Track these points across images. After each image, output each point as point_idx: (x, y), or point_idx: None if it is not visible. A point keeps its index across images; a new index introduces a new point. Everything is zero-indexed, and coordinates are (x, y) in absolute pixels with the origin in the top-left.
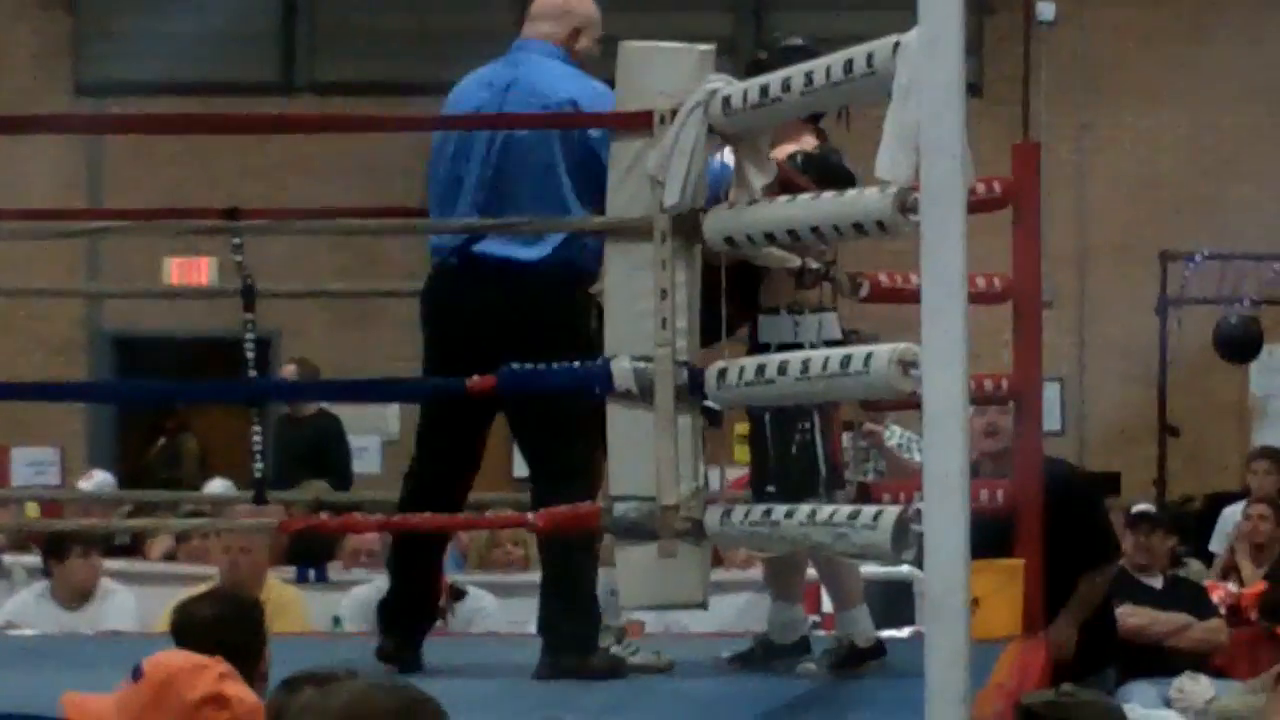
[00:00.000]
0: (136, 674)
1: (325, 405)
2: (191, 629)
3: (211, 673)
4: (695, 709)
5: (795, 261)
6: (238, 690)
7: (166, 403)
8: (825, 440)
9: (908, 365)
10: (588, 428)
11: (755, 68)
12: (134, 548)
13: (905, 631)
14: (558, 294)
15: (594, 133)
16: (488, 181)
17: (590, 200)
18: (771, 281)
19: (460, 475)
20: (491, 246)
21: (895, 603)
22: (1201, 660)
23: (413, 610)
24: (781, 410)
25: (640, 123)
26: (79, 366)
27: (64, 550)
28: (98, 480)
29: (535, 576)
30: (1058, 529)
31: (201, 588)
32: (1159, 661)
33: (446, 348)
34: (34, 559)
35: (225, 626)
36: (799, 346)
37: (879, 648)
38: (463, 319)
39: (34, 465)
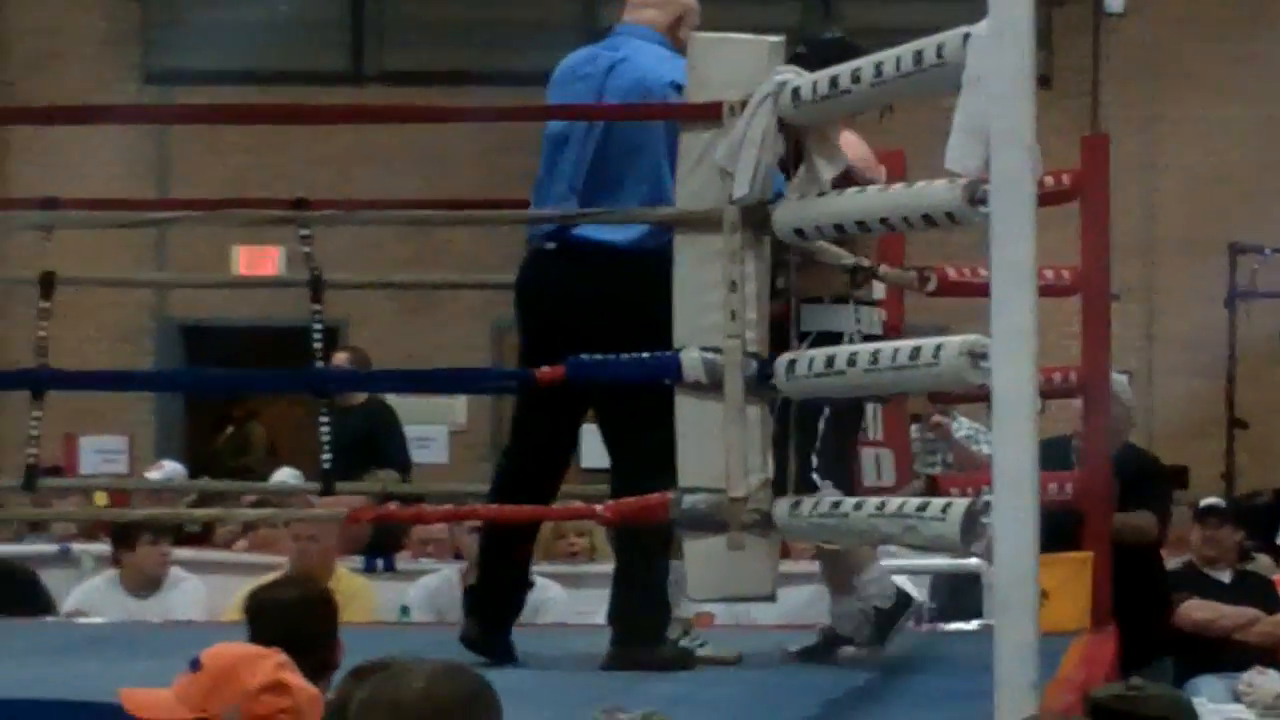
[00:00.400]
0: (195, 665)
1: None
2: (266, 614)
3: (270, 661)
4: (762, 701)
5: (850, 259)
6: (296, 679)
7: (234, 392)
8: (832, 442)
9: (977, 357)
10: (670, 419)
11: (795, 61)
12: (203, 536)
13: (973, 624)
14: (648, 277)
15: None
16: (586, 165)
17: None
18: (818, 272)
19: (552, 465)
20: (586, 230)
21: (963, 595)
22: (1270, 654)
23: (500, 598)
24: (803, 406)
25: (710, 114)
26: (147, 355)
27: (133, 539)
28: (168, 470)
29: (601, 567)
30: (1127, 507)
31: (270, 577)
32: (1227, 656)
33: (540, 333)
34: (102, 547)
35: (300, 613)
36: (837, 338)
37: (905, 599)
38: (556, 303)
39: (102, 453)
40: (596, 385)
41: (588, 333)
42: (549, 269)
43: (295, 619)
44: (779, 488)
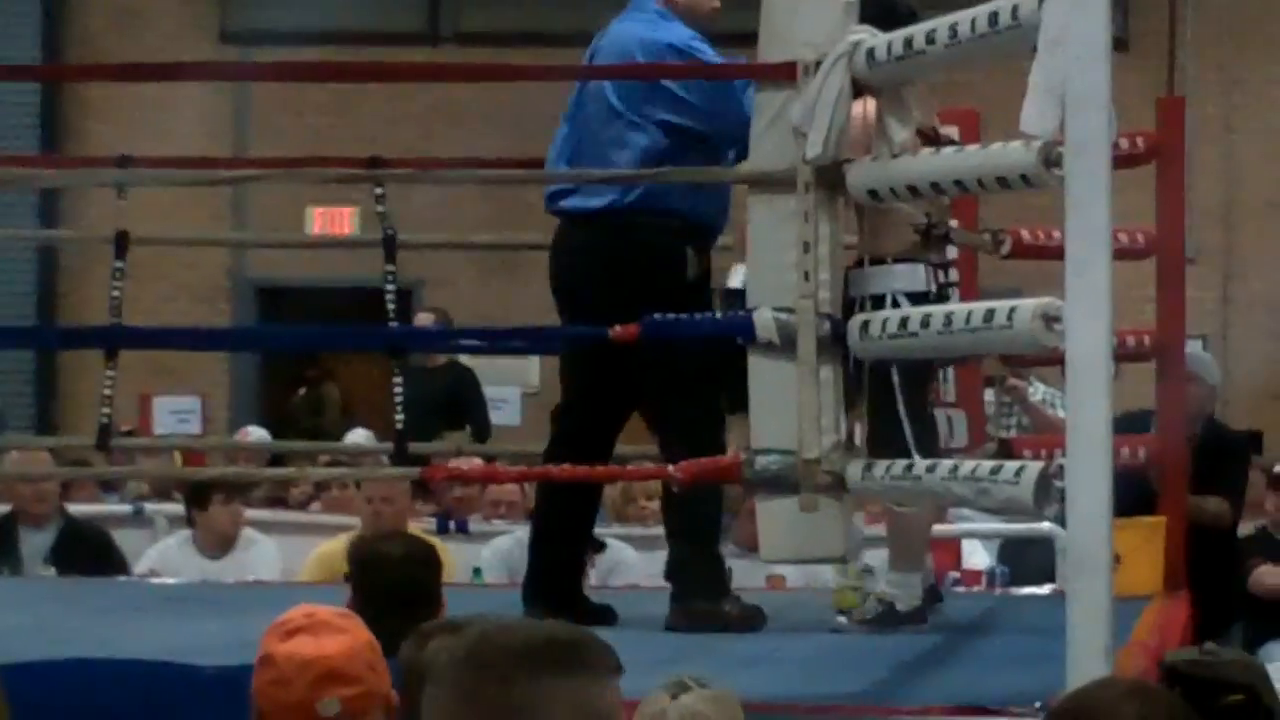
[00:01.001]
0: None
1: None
2: (374, 569)
3: (274, 633)
4: (836, 662)
5: (922, 219)
6: (289, 647)
7: (308, 350)
8: (912, 404)
9: (1051, 320)
10: (712, 383)
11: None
12: (277, 498)
13: (1046, 588)
14: (624, 238)
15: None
16: (569, 135)
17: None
18: (882, 231)
19: (603, 432)
20: (571, 200)
21: (1035, 559)
22: None
23: (560, 555)
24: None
25: (784, 74)
26: (223, 315)
27: (206, 499)
28: (254, 436)
29: None
30: (1206, 484)
31: (343, 538)
32: None
33: (558, 304)
34: (176, 507)
35: (408, 569)
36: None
37: (919, 614)
38: (555, 274)
39: (177, 414)
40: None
41: (579, 297)
42: (554, 240)
43: (403, 574)
44: (897, 452)
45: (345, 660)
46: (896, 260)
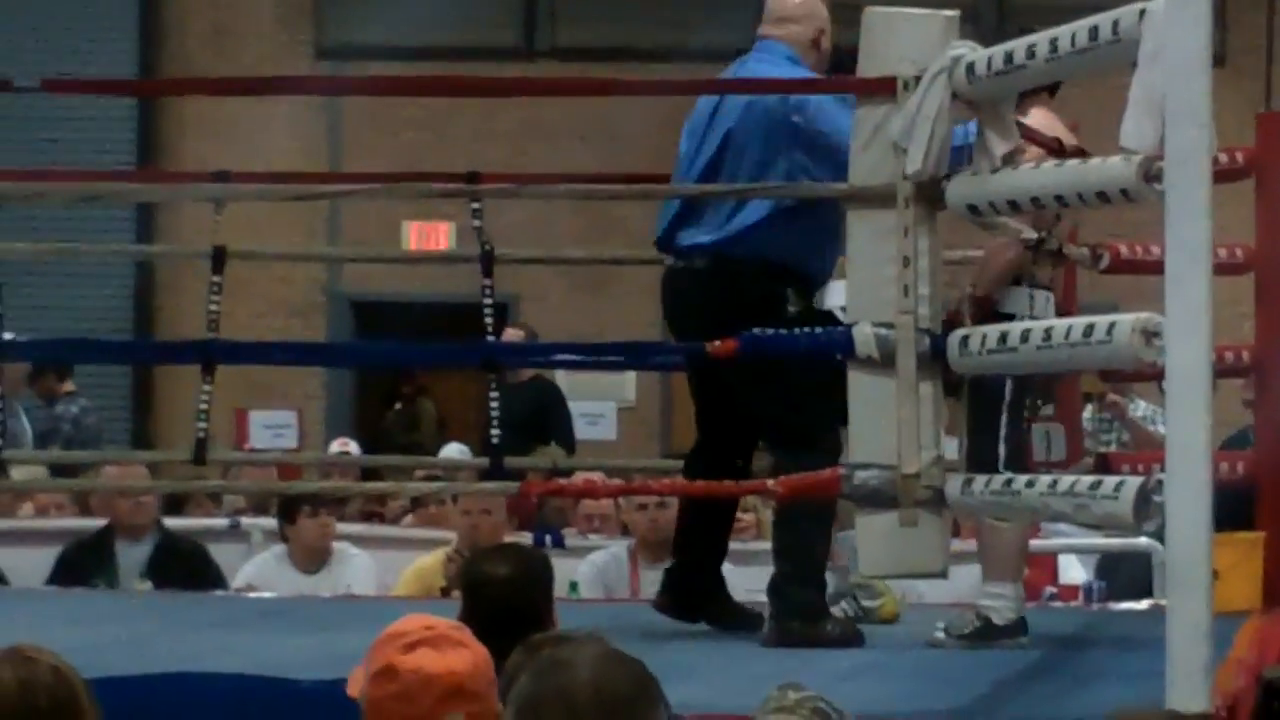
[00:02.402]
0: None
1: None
2: (484, 588)
3: (395, 644)
4: (936, 677)
5: (1033, 234)
6: (412, 660)
7: (403, 365)
8: (1012, 422)
9: (1150, 335)
10: (824, 396)
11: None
12: (372, 512)
13: (1144, 604)
14: (729, 279)
15: (808, 121)
16: (701, 167)
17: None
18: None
19: (731, 448)
20: (685, 235)
21: (1133, 574)
22: None
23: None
24: (979, 385)
25: (884, 89)
26: (318, 331)
27: (295, 512)
28: (350, 449)
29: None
30: None
31: (439, 552)
32: None
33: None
34: (271, 522)
35: (517, 587)
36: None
37: (1019, 626)
38: (666, 307)
39: (272, 428)
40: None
41: (680, 332)
42: (665, 274)
43: (512, 592)
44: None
45: (469, 677)
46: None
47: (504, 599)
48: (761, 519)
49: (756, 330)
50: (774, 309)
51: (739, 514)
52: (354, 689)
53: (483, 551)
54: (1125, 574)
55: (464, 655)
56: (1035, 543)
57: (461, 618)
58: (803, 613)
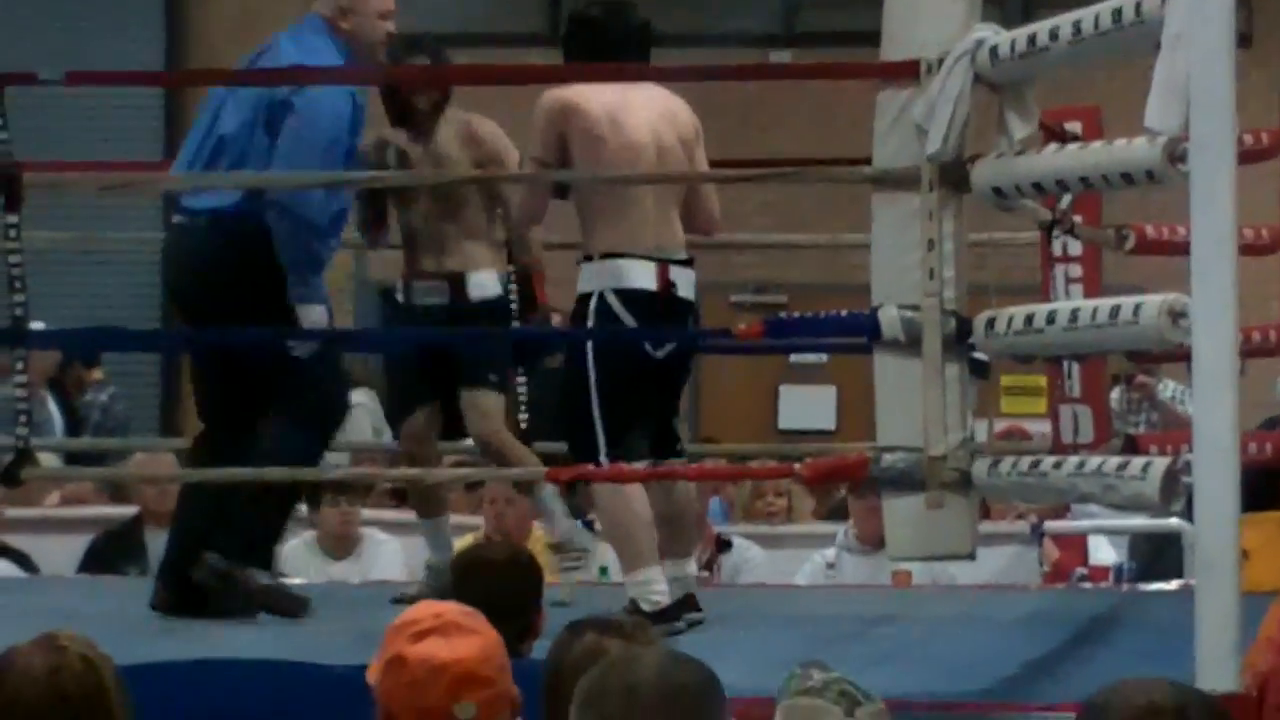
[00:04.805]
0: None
1: None
2: (472, 578)
3: (405, 633)
4: (957, 662)
5: (1047, 215)
6: (422, 649)
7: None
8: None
9: (1177, 315)
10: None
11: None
12: (399, 496)
13: (1173, 584)
14: (230, 242)
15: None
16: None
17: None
18: None
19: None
20: (190, 197)
21: (1162, 555)
22: None
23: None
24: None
25: (907, 72)
26: (346, 316)
27: (318, 500)
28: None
29: (800, 528)
30: None
31: (468, 538)
32: None
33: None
34: (300, 508)
35: (504, 579)
36: None
37: (677, 608)
38: (164, 266)
39: None
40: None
41: (192, 299)
42: (173, 239)
43: (500, 584)
44: None
45: (479, 663)
46: None
47: (489, 590)
48: (793, 504)
49: (782, 315)
50: (275, 276)
51: (772, 498)
52: (372, 677)
53: (474, 546)
54: (1155, 555)
55: (474, 642)
56: (1065, 524)
57: None
58: (215, 578)
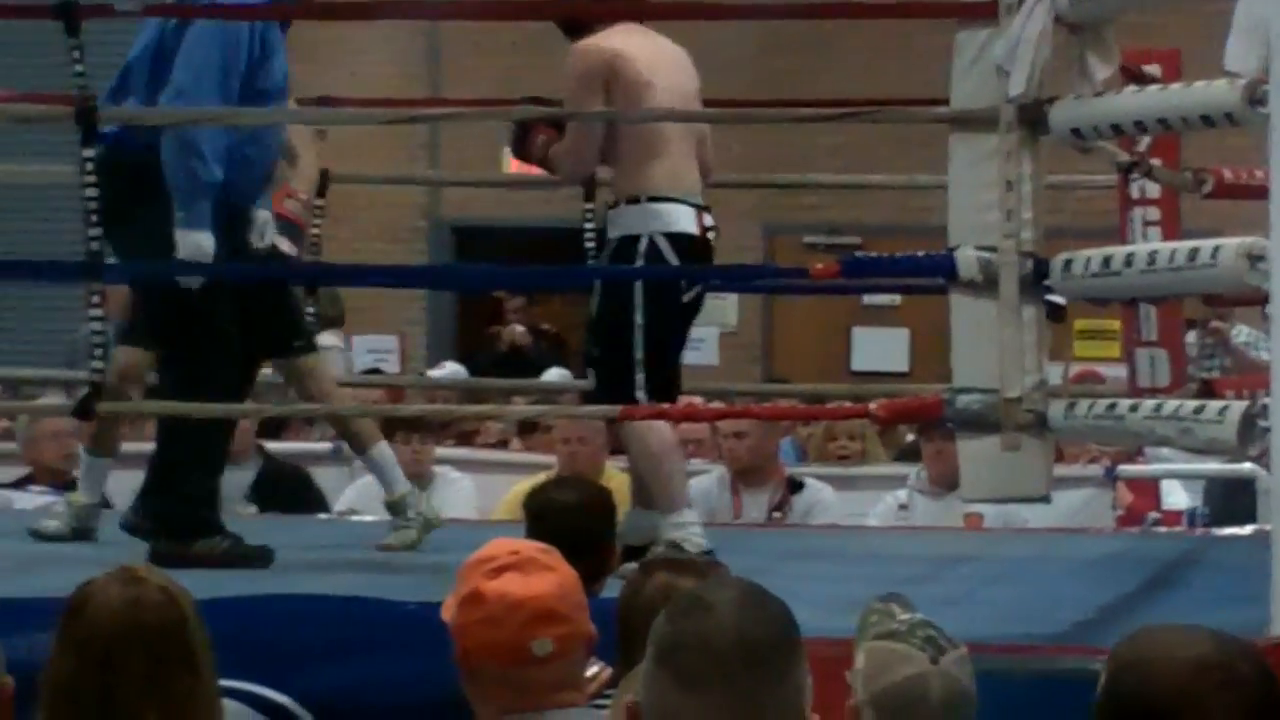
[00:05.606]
0: None
1: None
2: (547, 516)
3: (482, 569)
4: (1028, 606)
5: (1124, 157)
6: (500, 585)
7: (505, 289)
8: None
9: (1255, 259)
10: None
11: None
12: (470, 435)
13: (1248, 529)
14: (119, 172)
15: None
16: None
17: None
18: None
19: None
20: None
21: (1237, 500)
22: None
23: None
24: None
25: (985, 11)
26: (419, 255)
27: (390, 437)
28: (449, 370)
29: (873, 469)
30: None
31: (541, 476)
32: None
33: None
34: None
35: (578, 517)
36: None
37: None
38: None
39: (374, 353)
40: None
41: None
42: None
43: (574, 522)
44: None
45: (557, 600)
46: None
47: (563, 528)
48: (867, 447)
49: (859, 254)
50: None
51: (845, 440)
52: (447, 613)
53: (549, 482)
54: (1230, 499)
55: (550, 579)
56: (1138, 468)
57: None
58: (171, 529)
